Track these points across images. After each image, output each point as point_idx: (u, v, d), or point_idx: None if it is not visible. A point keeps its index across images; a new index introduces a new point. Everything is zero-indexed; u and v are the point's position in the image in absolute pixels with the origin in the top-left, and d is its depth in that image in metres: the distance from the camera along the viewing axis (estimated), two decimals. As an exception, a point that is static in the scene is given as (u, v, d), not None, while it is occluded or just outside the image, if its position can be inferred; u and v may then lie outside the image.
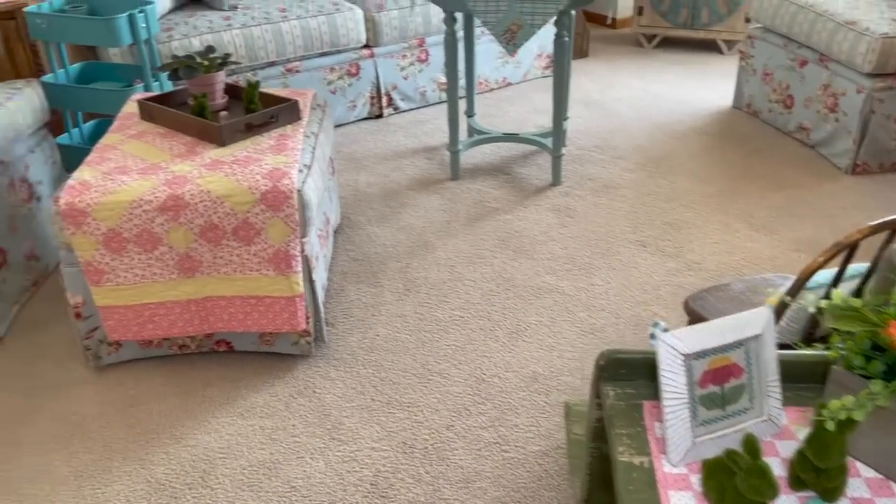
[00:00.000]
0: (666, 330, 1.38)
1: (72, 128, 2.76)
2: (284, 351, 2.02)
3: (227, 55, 2.17)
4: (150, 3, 2.53)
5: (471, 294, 2.28)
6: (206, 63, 2.13)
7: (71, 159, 2.68)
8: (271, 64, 3.14)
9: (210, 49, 2.20)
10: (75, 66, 2.70)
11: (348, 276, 2.37)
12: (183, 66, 2.10)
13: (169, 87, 2.67)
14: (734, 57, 4.22)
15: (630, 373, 1.14)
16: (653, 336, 1.40)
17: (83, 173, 1.84)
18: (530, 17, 2.47)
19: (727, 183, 2.87)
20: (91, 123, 2.85)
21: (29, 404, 1.88)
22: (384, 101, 3.49)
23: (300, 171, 1.89)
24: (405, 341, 2.08)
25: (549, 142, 2.96)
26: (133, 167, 1.87)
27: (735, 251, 2.45)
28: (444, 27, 3.51)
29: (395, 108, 3.55)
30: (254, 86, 2.10)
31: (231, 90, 2.24)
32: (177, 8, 3.13)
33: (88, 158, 1.93)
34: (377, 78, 3.43)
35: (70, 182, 1.81)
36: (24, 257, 2.28)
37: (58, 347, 2.07)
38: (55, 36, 2.45)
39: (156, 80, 2.60)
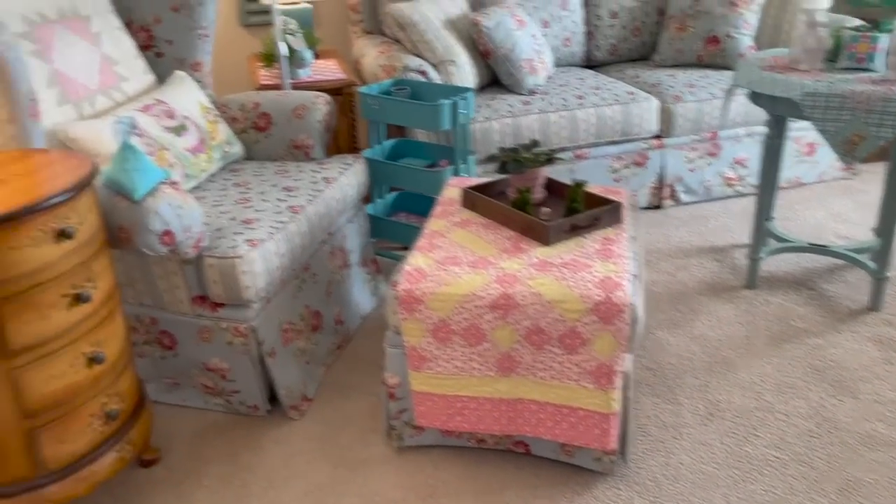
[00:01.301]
0: None
1: (377, 198, 2.94)
2: (584, 465, 1.91)
3: (553, 151, 2.17)
4: (470, 89, 2.64)
5: (785, 431, 2.03)
6: (531, 157, 2.14)
7: (374, 228, 2.84)
8: (562, 149, 3.14)
9: (534, 143, 2.22)
10: (389, 143, 2.87)
11: (642, 387, 2.23)
12: (511, 161, 2.12)
13: (473, 169, 2.75)
14: None
15: None
16: None
17: (417, 260, 1.90)
18: (876, 128, 2.23)
19: None
20: (392, 195, 3.01)
21: (336, 475, 1.95)
22: (666, 192, 3.36)
23: (629, 281, 1.80)
24: (714, 476, 1.89)
25: (866, 258, 2.64)
26: (463, 258, 1.90)
27: None
28: (738, 122, 3.33)
29: (676, 201, 3.40)
30: (579, 185, 2.07)
31: (549, 184, 2.23)
32: (478, 90, 3.25)
33: (419, 244, 1.99)
34: (662, 169, 3.31)
35: (406, 268, 1.87)
36: (333, 321, 2.42)
37: (360, 419, 2.14)
38: (383, 116, 2.62)
39: (463, 163, 2.69)
